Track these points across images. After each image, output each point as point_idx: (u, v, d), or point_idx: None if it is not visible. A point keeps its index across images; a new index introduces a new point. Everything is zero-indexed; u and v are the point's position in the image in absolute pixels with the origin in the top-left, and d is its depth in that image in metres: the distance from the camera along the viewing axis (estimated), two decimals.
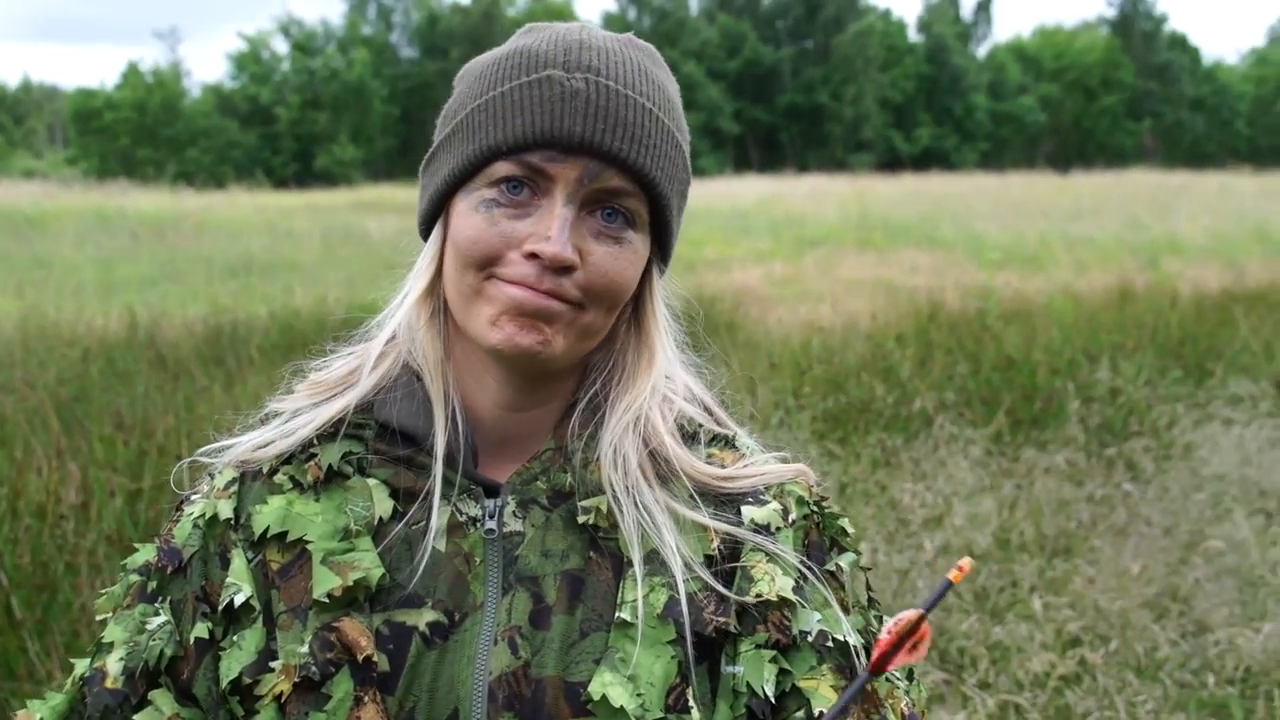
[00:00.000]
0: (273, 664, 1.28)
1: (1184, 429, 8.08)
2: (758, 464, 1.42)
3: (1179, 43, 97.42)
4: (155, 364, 9.63)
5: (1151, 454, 7.61)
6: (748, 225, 27.66)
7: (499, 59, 1.34)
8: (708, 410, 1.48)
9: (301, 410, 1.41)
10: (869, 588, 1.44)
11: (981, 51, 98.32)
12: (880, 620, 1.42)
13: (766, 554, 1.35)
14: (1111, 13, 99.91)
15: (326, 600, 1.29)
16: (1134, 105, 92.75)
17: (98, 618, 1.39)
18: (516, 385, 1.38)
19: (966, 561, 1.16)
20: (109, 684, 1.31)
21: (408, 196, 38.21)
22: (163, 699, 1.31)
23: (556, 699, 1.26)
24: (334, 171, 68.30)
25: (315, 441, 1.39)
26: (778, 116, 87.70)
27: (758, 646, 1.30)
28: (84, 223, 25.73)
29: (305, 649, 1.27)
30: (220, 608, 1.32)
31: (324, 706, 1.25)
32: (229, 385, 8.52)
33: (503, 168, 1.29)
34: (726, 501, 1.38)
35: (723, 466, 1.41)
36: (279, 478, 1.37)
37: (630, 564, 1.31)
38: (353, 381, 1.40)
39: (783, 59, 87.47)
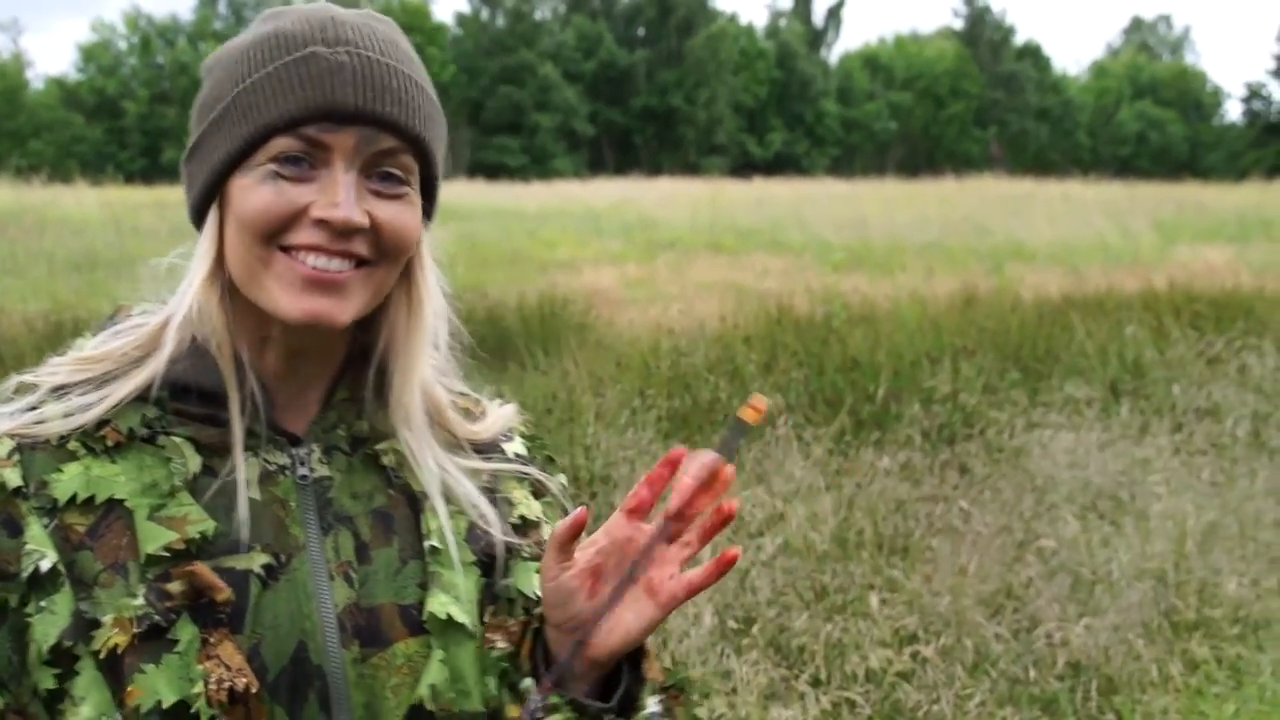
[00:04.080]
0: (101, 618, 1.29)
1: (1019, 430, 8.26)
2: (492, 410, 1.62)
3: (1031, 53, 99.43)
4: None
5: (985, 456, 7.78)
6: (600, 227, 27.70)
7: (254, 44, 1.40)
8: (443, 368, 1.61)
9: (73, 387, 1.40)
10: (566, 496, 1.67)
11: (833, 58, 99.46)
12: None
13: (518, 481, 1.58)
14: (959, 23, 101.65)
15: (166, 554, 1.32)
16: (981, 114, 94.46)
17: None
18: (304, 346, 1.45)
19: (760, 399, 1.34)
20: None
21: None
22: None
23: (393, 621, 1.40)
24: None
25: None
26: (632, 119, 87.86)
27: (525, 560, 1.52)
28: None
29: (140, 601, 1.30)
30: (25, 575, 1.31)
31: (172, 650, 1.29)
32: None
33: (280, 143, 1.35)
34: (488, 446, 1.58)
35: (472, 413, 1.60)
36: (71, 445, 1.37)
37: (426, 497, 1.47)
38: (140, 356, 1.42)
39: (637, 61, 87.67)
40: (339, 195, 1.34)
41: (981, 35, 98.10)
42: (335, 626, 1.37)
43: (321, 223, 1.33)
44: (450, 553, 1.44)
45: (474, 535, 1.49)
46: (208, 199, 1.41)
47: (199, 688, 1.28)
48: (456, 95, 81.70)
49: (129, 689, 1.28)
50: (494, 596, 1.49)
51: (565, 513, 1.52)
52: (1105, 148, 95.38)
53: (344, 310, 1.36)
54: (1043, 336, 10.96)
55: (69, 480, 1.35)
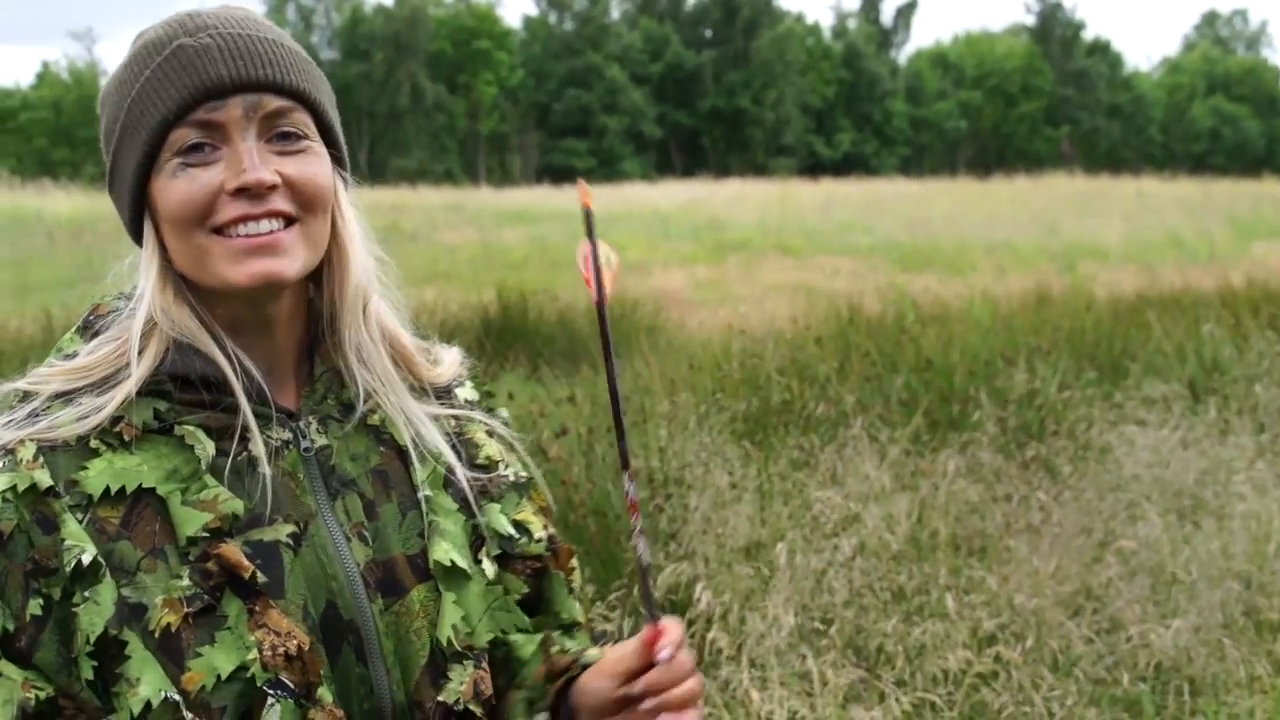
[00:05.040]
0: (148, 602, 1.37)
1: (1099, 430, 8.17)
2: (444, 354, 1.73)
3: (1100, 49, 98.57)
4: None
5: (1067, 455, 7.70)
6: (669, 229, 27.72)
7: (129, 62, 1.50)
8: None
9: (79, 393, 1.45)
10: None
11: (902, 58, 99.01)
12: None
13: (478, 425, 1.69)
14: (1031, 20, 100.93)
15: (206, 534, 1.40)
16: (1052, 111, 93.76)
17: None
18: (265, 317, 1.52)
19: (582, 186, 1.53)
20: None
21: None
22: (8, 668, 1.36)
23: (405, 571, 1.51)
24: None
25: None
26: (700, 120, 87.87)
27: (490, 500, 1.63)
28: None
29: (186, 581, 1.38)
30: (68, 569, 1.36)
31: (223, 626, 1.38)
32: None
33: (177, 135, 1.43)
34: (445, 391, 1.69)
35: (428, 355, 1.70)
36: (93, 443, 1.43)
37: (407, 450, 1.57)
38: (127, 360, 1.47)
39: (704, 63, 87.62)
40: (243, 161, 1.42)
41: (1052, 32, 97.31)
42: (360, 583, 1.47)
43: (239, 192, 1.42)
44: (439, 501, 1.57)
45: (449, 480, 1.60)
46: (137, 213, 1.51)
47: (253, 654, 1.37)
48: (525, 99, 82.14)
49: (188, 674, 1.35)
50: (480, 537, 1.59)
51: (512, 449, 1.72)
52: (1179, 144, 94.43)
53: (289, 265, 1.45)
54: (1119, 335, 10.83)
55: (97, 475, 1.41)
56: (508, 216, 29.13)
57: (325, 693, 1.41)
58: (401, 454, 1.58)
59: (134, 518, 1.40)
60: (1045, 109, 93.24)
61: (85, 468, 1.41)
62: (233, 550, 1.40)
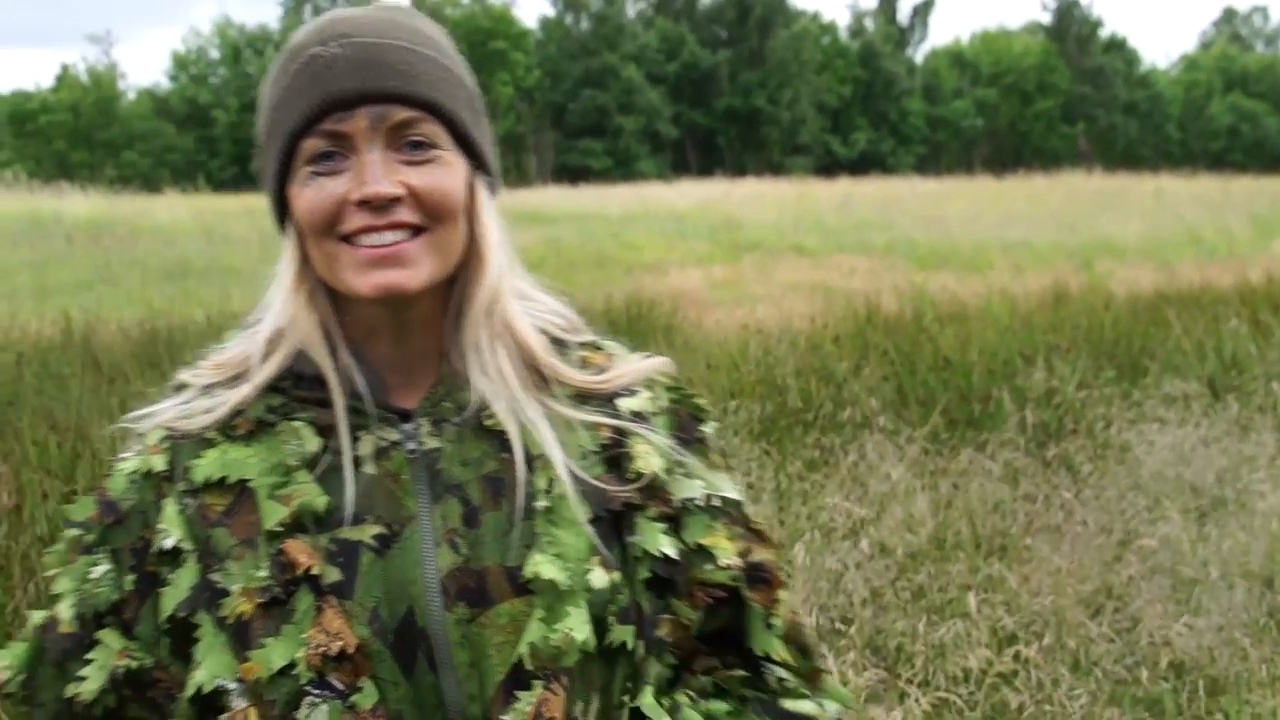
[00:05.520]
0: (230, 588, 1.43)
1: (1119, 429, 8.15)
2: (627, 363, 1.64)
3: (1117, 46, 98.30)
4: (90, 368, 9.55)
5: (1086, 453, 7.68)
6: (685, 229, 27.69)
7: (275, 67, 1.52)
8: (571, 324, 1.66)
9: (216, 387, 1.55)
10: (723, 453, 1.75)
11: (919, 56, 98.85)
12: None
13: (642, 438, 1.57)
14: (1047, 17, 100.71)
15: (280, 529, 1.44)
16: (1069, 109, 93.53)
17: (48, 573, 1.55)
18: (399, 322, 1.53)
19: None
20: (63, 629, 1.49)
21: None
22: (110, 636, 1.48)
23: (499, 582, 1.46)
24: None
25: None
26: (716, 120, 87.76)
27: (649, 519, 1.53)
28: (18, 226, 25.46)
29: (264, 573, 1.43)
30: (156, 551, 1.47)
31: (290, 620, 1.41)
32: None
33: (308, 145, 1.45)
34: (605, 399, 1.59)
35: (596, 366, 1.62)
36: (210, 434, 1.52)
37: (535, 456, 1.51)
38: (254, 361, 1.54)
39: (720, 63, 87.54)
40: (366, 174, 1.42)
41: (1069, 29, 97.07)
42: (438, 590, 1.45)
43: (362, 203, 1.42)
44: (559, 511, 1.49)
45: (588, 492, 1.52)
46: (280, 215, 1.53)
47: (302, 652, 1.40)
48: (541, 99, 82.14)
49: (247, 664, 1.41)
50: (624, 555, 1.52)
51: (714, 463, 1.63)
52: (1196, 142, 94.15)
53: (412, 277, 1.45)
54: (1138, 333, 10.80)
55: (206, 464, 1.49)
56: (523, 217, 29.11)
57: (362, 698, 1.41)
58: (528, 460, 1.52)
59: (237, 507, 1.47)
60: (1062, 107, 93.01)
61: (200, 456, 1.50)
62: (297, 546, 1.44)
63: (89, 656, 1.48)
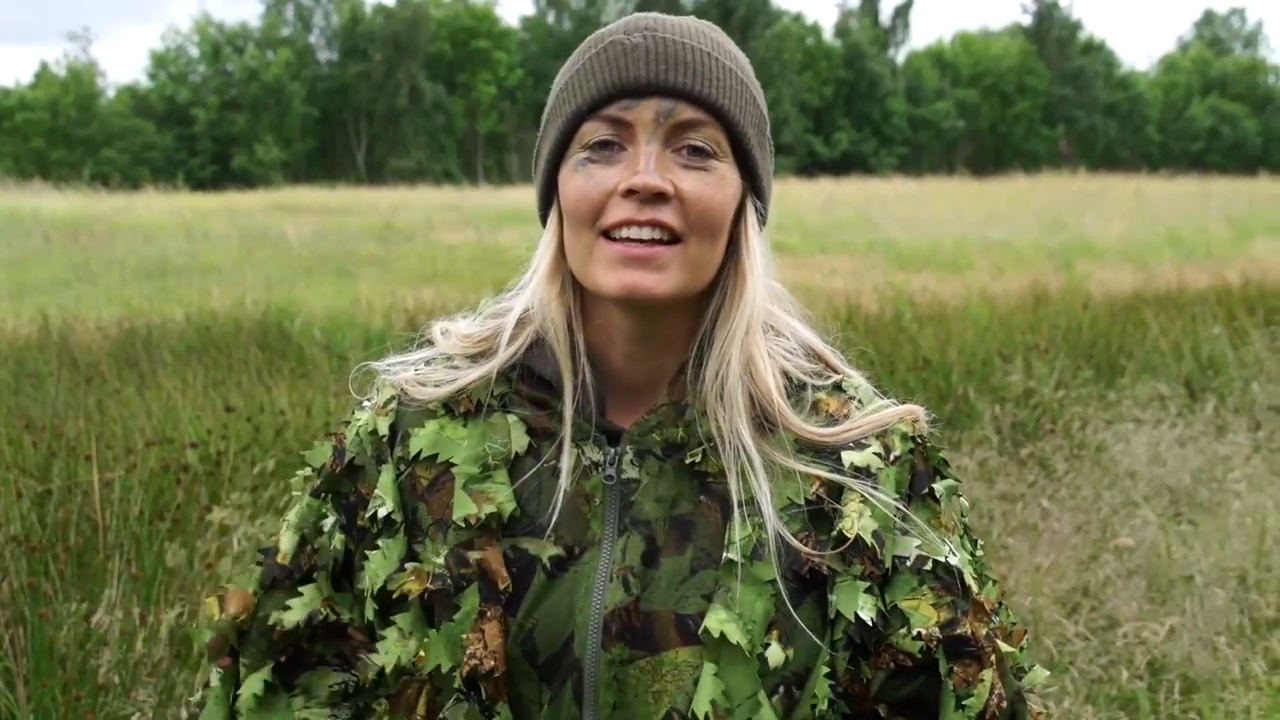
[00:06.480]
0: (408, 564, 1.48)
1: (1096, 429, 8.18)
2: (864, 413, 1.53)
3: (1095, 49, 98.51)
4: (67, 366, 9.50)
5: (1064, 453, 7.71)
6: None
7: (573, 54, 1.53)
8: (822, 360, 1.59)
9: (455, 360, 1.58)
10: (963, 514, 1.58)
11: (900, 57, 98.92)
12: (976, 545, 1.59)
13: (861, 497, 1.46)
14: (1027, 20, 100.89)
15: (463, 524, 1.46)
16: (1049, 111, 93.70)
17: (293, 493, 1.64)
18: (642, 333, 1.50)
19: None
20: (280, 559, 1.57)
21: (326, 199, 37.92)
22: (321, 580, 1.55)
23: (667, 630, 1.41)
24: (252, 173, 67.60)
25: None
26: None
27: (854, 579, 1.44)
28: None
29: (441, 561, 1.46)
30: (369, 515, 1.53)
31: (453, 616, 1.44)
32: (142, 388, 8.42)
33: (589, 129, 1.44)
34: (829, 450, 1.49)
35: (829, 413, 1.53)
36: (434, 406, 1.55)
37: (731, 506, 1.44)
38: (493, 348, 1.56)
39: None
40: (640, 164, 1.40)
41: (1049, 32, 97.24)
42: (600, 627, 1.42)
43: (629, 193, 1.40)
44: (748, 568, 1.42)
45: (784, 549, 1.44)
46: (547, 198, 1.52)
47: (459, 658, 1.42)
48: (523, 98, 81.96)
49: (420, 656, 1.45)
50: (821, 612, 1.44)
51: (941, 523, 1.51)
52: (1176, 143, 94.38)
53: (659, 283, 1.41)
54: (1115, 334, 10.84)
55: (422, 436, 1.53)
56: (506, 216, 29.08)
57: (504, 708, 1.44)
58: (724, 507, 1.45)
59: (438, 486, 1.51)
60: (1042, 108, 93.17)
61: (421, 427, 1.54)
62: (496, 558, 1.45)
63: (300, 590, 1.54)
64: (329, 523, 1.56)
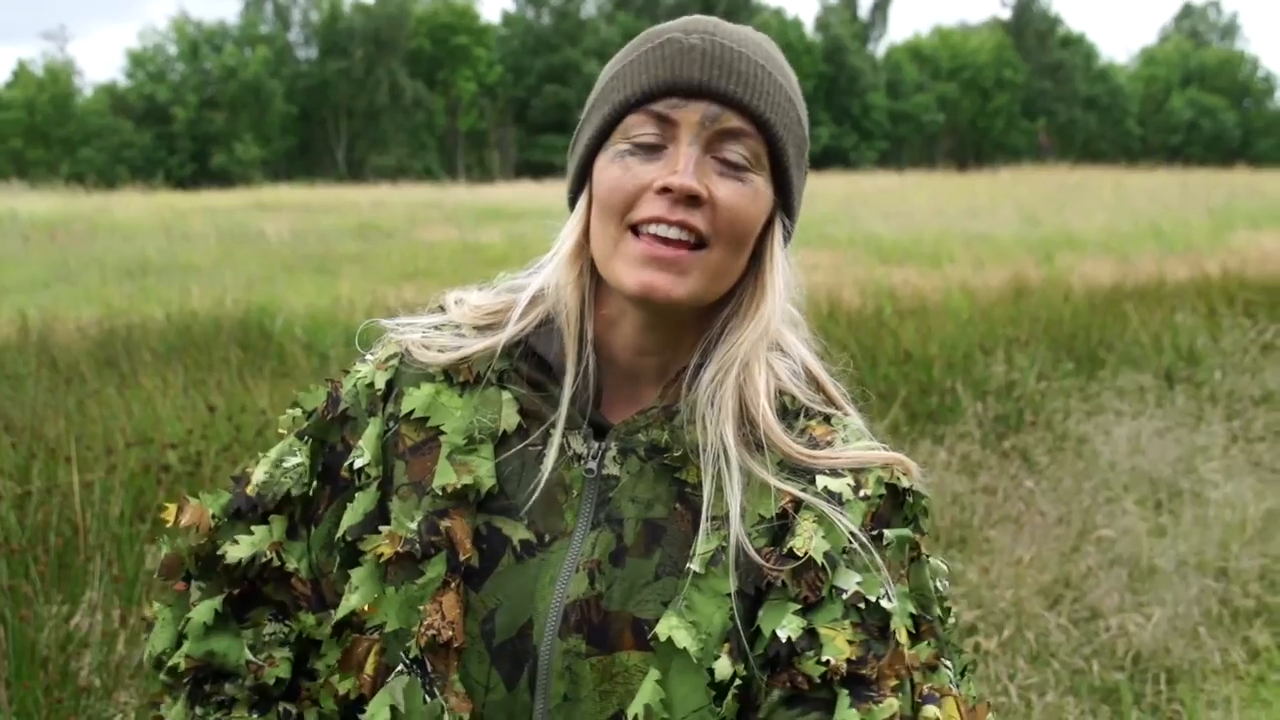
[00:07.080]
0: (382, 527, 1.49)
1: (1076, 420, 8.20)
2: (850, 447, 1.50)
3: (1075, 42, 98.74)
4: (46, 367, 9.47)
5: (1045, 445, 7.73)
6: None
7: (628, 44, 1.54)
8: (823, 391, 1.59)
9: (463, 330, 1.58)
10: (934, 576, 1.50)
11: (879, 51, 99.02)
12: (949, 614, 1.52)
13: (817, 515, 1.42)
14: (1006, 13, 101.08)
15: (440, 492, 1.47)
16: (1028, 104, 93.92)
17: (279, 430, 1.64)
18: (650, 330, 1.51)
19: None
20: (248, 489, 1.56)
21: (306, 197, 37.80)
22: (276, 524, 1.54)
23: (622, 631, 1.42)
24: (231, 171, 67.43)
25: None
26: None
27: (787, 598, 1.39)
28: None
29: (414, 525, 1.47)
30: (347, 464, 1.54)
31: (415, 580, 1.45)
32: (122, 388, 8.40)
33: (634, 121, 1.45)
34: (805, 471, 1.47)
35: (812, 437, 1.51)
36: (434, 371, 1.56)
37: (707, 519, 1.43)
38: (502, 321, 1.56)
39: None
40: (679, 163, 1.41)
41: (1028, 25, 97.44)
42: (559, 616, 1.43)
43: (663, 191, 1.40)
44: (708, 579, 1.41)
45: (745, 563, 1.41)
46: (580, 182, 1.53)
47: (417, 625, 1.43)
48: (503, 95, 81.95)
49: (370, 606, 1.46)
50: (757, 631, 1.40)
51: (889, 567, 1.42)
52: (1156, 136, 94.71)
53: (678, 286, 1.41)
54: (1095, 326, 10.87)
55: (416, 397, 1.54)
56: (486, 213, 29.07)
57: (457, 681, 1.43)
58: (697, 519, 1.44)
59: (423, 449, 1.52)
60: (1022, 101, 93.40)
61: (417, 388, 1.55)
62: (464, 529, 1.46)
63: (252, 528, 1.53)
64: (291, 463, 1.57)
